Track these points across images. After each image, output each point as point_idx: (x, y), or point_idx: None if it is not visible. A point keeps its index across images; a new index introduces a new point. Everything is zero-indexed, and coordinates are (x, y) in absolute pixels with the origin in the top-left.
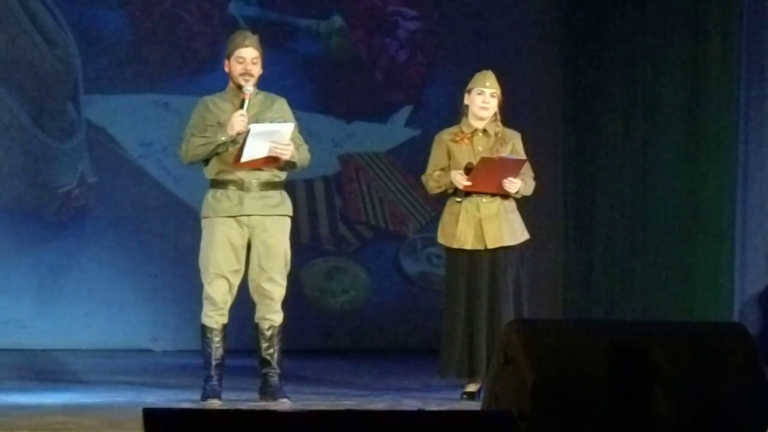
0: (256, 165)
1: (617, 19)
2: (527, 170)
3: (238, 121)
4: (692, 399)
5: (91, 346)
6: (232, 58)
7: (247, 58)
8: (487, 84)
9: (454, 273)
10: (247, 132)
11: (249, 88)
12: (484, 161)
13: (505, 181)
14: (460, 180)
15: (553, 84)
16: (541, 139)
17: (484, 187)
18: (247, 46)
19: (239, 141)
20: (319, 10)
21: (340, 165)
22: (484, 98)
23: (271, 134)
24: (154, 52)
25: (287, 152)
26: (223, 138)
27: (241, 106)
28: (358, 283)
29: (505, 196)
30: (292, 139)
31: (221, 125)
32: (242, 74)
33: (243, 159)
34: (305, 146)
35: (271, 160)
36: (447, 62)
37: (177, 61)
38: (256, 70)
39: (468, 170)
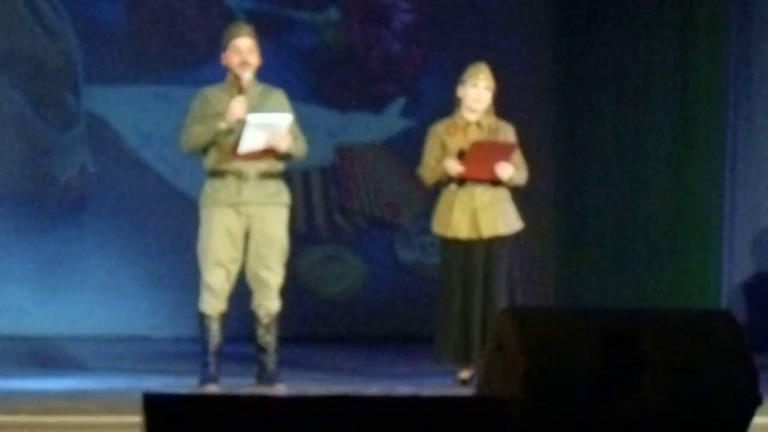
0: (254, 156)
1: (609, 10)
2: (520, 160)
3: (237, 108)
4: (681, 385)
5: (91, 333)
6: (229, 50)
7: (243, 48)
8: (481, 77)
9: (449, 262)
10: (245, 123)
11: (246, 75)
12: (476, 145)
13: (497, 166)
14: (453, 166)
15: (546, 74)
16: (533, 129)
17: (476, 173)
18: (242, 36)
19: (238, 129)
20: (315, 3)
21: (335, 155)
22: (477, 92)
23: (269, 125)
24: (153, 44)
25: (284, 143)
26: (222, 125)
27: (240, 93)
28: (354, 271)
29: (499, 184)
30: (290, 130)
31: (220, 115)
32: (240, 64)
33: (240, 150)
34: (302, 138)
35: (269, 151)
36: (442, 54)
37: (176, 52)
38: (253, 58)
39: (460, 156)
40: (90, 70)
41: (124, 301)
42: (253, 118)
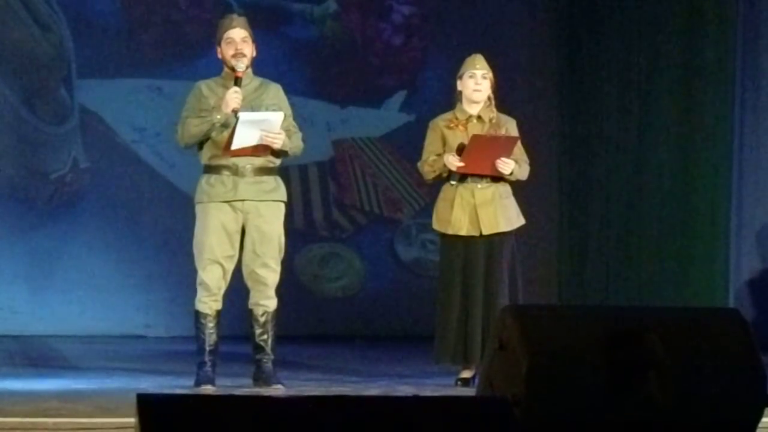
0: (247, 153)
1: (612, 2)
2: (522, 154)
3: (232, 98)
4: (688, 384)
5: (84, 332)
6: (223, 42)
7: (236, 39)
8: (478, 66)
9: (449, 259)
10: (236, 120)
11: (241, 65)
12: (476, 139)
13: (498, 161)
14: (453, 161)
15: (548, 68)
16: (536, 123)
17: (477, 168)
18: (234, 27)
19: (232, 123)
20: None
21: (334, 150)
22: (475, 80)
23: (261, 123)
24: (147, 37)
25: (278, 141)
26: (218, 116)
27: (236, 85)
28: (352, 269)
29: (500, 180)
30: (286, 127)
31: (216, 109)
32: (234, 55)
33: (233, 147)
34: (299, 134)
35: (262, 148)
36: (442, 47)
37: (170, 45)
38: (248, 49)
39: (460, 151)
40: (83, 63)
41: (117, 299)
42: (244, 116)
